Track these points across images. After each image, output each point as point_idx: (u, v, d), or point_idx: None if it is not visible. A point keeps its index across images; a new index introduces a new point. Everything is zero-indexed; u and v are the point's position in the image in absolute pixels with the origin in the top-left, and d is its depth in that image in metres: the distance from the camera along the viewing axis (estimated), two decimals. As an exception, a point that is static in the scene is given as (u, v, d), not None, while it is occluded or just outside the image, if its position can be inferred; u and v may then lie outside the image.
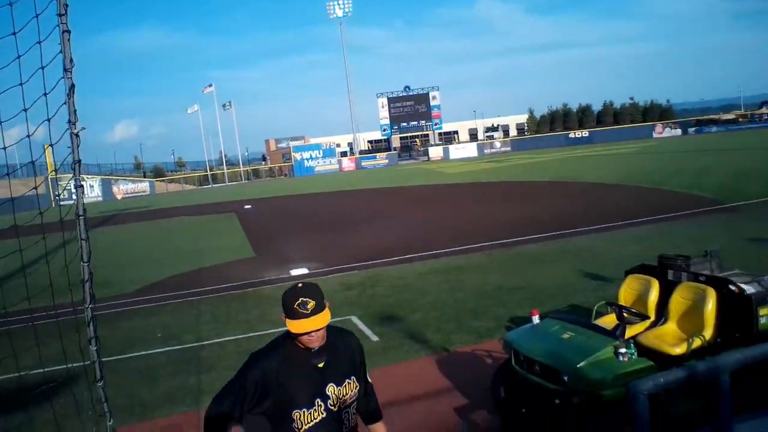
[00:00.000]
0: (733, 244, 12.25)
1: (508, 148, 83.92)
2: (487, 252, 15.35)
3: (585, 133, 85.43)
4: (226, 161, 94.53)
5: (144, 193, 72.05)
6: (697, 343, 5.57)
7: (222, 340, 10.10)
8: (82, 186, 2.29)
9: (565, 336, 5.66)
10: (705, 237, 13.56)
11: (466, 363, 7.92)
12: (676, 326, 6.03)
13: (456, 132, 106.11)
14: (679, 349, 5.58)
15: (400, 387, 7.32)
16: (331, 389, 3.05)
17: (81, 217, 2.25)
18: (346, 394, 3.11)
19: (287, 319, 2.94)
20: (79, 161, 2.33)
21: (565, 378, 5.22)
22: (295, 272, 15.40)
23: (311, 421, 3.00)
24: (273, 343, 3.15)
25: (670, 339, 5.82)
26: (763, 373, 5.32)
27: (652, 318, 6.23)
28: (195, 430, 6.82)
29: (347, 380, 3.12)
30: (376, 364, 8.23)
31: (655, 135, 79.91)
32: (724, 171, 28.66)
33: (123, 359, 9.55)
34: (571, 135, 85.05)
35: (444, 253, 15.72)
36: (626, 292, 6.63)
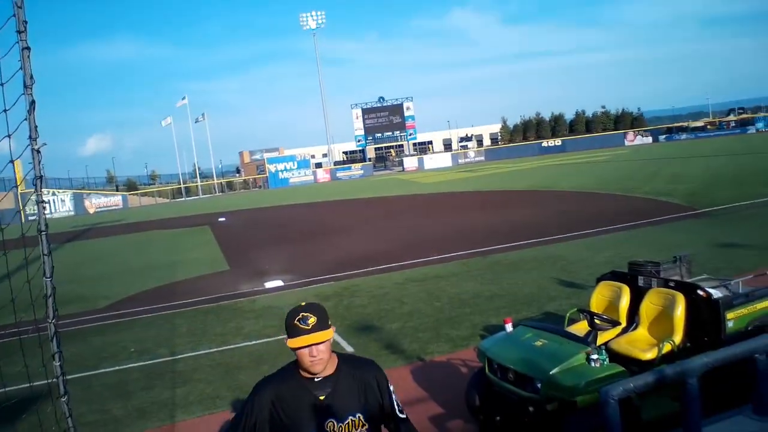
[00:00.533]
0: (702, 249, 12.45)
1: (482, 158, 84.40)
2: (464, 260, 15.42)
3: (558, 141, 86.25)
4: (199, 174, 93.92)
5: (117, 207, 71.15)
6: (667, 347, 5.66)
7: (197, 353, 10.01)
8: (44, 201, 2.25)
9: (538, 343, 5.71)
10: (676, 242, 13.77)
11: (442, 372, 7.95)
12: (646, 332, 6.12)
13: (430, 142, 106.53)
14: (650, 354, 5.66)
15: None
16: (330, 426, 2.81)
17: (43, 233, 2.22)
18: None
19: (288, 339, 2.76)
20: (41, 177, 2.30)
21: (539, 385, 5.26)
22: (269, 284, 15.33)
23: None
24: (279, 371, 2.97)
25: (641, 344, 5.90)
26: (733, 375, 5.44)
27: (624, 324, 6.31)
28: (169, 446, 6.75)
29: (351, 417, 2.84)
30: (352, 375, 8.22)
31: (626, 143, 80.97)
32: (694, 177, 29.15)
33: (95, 375, 9.43)
34: (545, 144, 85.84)
35: (422, 263, 15.76)
36: (597, 299, 6.71)
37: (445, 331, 9.64)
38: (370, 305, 11.88)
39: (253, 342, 10.31)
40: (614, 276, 6.85)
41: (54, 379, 2.26)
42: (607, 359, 5.36)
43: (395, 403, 2.96)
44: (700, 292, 5.82)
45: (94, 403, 8.21)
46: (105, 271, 21.40)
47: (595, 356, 5.26)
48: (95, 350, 10.84)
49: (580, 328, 6.40)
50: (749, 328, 5.74)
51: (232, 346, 10.21)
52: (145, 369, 9.51)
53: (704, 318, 5.76)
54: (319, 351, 2.74)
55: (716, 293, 5.95)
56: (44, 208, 2.22)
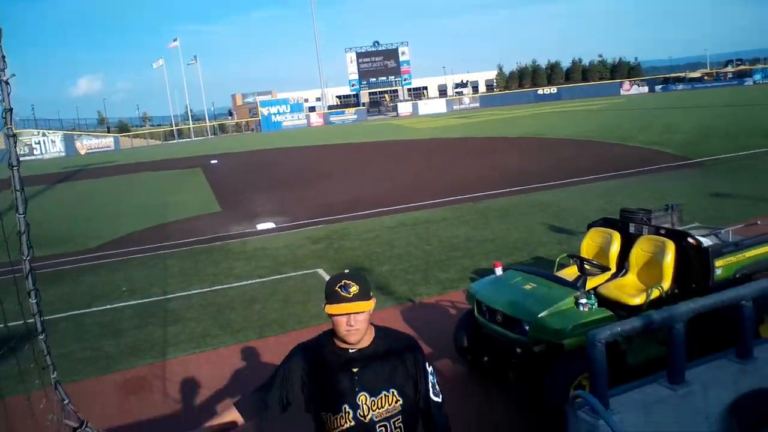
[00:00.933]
0: (695, 199, 12.49)
1: (477, 104, 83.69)
2: (456, 206, 15.43)
3: (553, 89, 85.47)
4: (192, 116, 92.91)
5: (108, 149, 70.49)
6: (655, 293, 5.70)
7: (188, 293, 10.06)
8: (14, 135, 2.17)
9: (527, 287, 5.73)
10: (669, 192, 13.80)
11: (431, 313, 8.03)
12: (635, 278, 6.16)
13: (425, 88, 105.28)
14: (638, 300, 5.71)
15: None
16: (362, 398, 2.69)
17: (15, 168, 2.16)
18: (382, 407, 2.70)
19: (327, 305, 2.64)
20: (11, 109, 2.22)
21: (527, 327, 5.30)
22: (261, 226, 15.34)
23: (337, 427, 2.70)
24: (315, 338, 2.86)
25: (629, 290, 5.94)
26: (718, 321, 5.51)
27: (613, 270, 6.35)
28: (160, 382, 6.83)
29: (385, 392, 2.71)
30: (342, 316, 8.30)
31: (622, 92, 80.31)
32: (689, 128, 29.02)
33: (87, 313, 9.49)
34: (540, 91, 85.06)
35: (413, 207, 15.77)
36: (588, 245, 6.73)
37: (435, 273, 9.70)
38: (360, 248, 11.91)
39: (245, 282, 10.35)
40: (606, 222, 6.86)
41: (31, 319, 2.23)
42: (596, 304, 5.39)
43: (431, 384, 2.83)
44: (690, 240, 5.84)
45: (86, 340, 8.29)
46: (96, 212, 21.34)
47: (583, 300, 5.30)
48: (87, 289, 10.89)
49: (570, 273, 6.43)
50: (737, 276, 5.79)
51: (223, 286, 10.27)
52: (137, 308, 9.57)
53: (693, 265, 5.80)
54: (357, 321, 2.63)
55: (706, 241, 5.97)
56: (14, 142, 2.15)
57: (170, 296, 9.99)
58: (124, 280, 11.32)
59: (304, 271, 10.66)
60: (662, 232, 6.15)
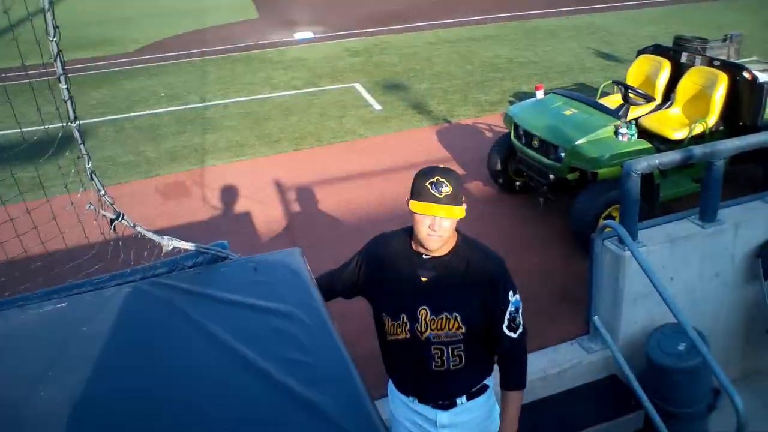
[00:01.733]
0: (757, 30, 11.74)
1: None
2: (501, 24, 14.74)
3: None
4: None
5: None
6: (699, 128, 5.54)
7: (226, 101, 10.09)
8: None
9: (567, 112, 5.60)
10: (729, 22, 12.92)
11: (467, 135, 7.99)
12: (681, 111, 5.97)
13: None
14: (680, 134, 5.57)
15: (398, 154, 7.47)
16: (422, 313, 2.38)
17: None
18: (441, 329, 2.38)
19: (411, 200, 2.28)
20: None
21: (562, 154, 5.26)
22: (299, 35, 14.95)
23: (395, 334, 2.46)
24: (395, 233, 2.54)
25: (672, 123, 5.78)
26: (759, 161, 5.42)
27: (658, 101, 6.13)
28: (198, 188, 7.06)
29: (446, 314, 2.37)
30: (377, 131, 8.33)
31: None
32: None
33: (127, 118, 9.62)
34: None
35: (456, 23, 15.11)
36: (635, 72, 6.45)
37: (474, 95, 9.52)
38: (399, 63, 11.63)
39: (282, 93, 10.31)
40: (657, 50, 6.51)
41: (69, 123, 2.22)
42: (636, 134, 5.28)
43: (508, 316, 2.42)
44: (746, 74, 5.54)
45: (128, 145, 8.47)
46: (133, 13, 20.87)
47: (623, 130, 5.18)
48: (127, 94, 10.93)
49: (613, 101, 6.22)
50: (788, 117, 5.56)
51: (260, 96, 10.24)
52: (175, 114, 9.65)
53: (744, 101, 5.55)
54: (441, 227, 2.26)
55: (763, 77, 5.66)
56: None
57: (208, 104, 10.03)
58: (163, 85, 11.32)
59: (341, 85, 10.52)
60: (716, 63, 5.84)
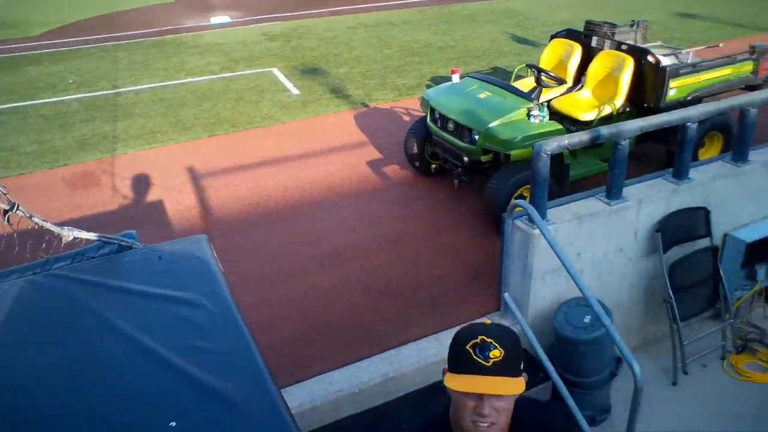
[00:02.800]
0: (662, 17, 12.23)
1: None
2: (420, 8, 14.80)
3: None
4: None
5: None
6: (607, 110, 5.73)
7: (139, 87, 9.72)
8: None
9: (482, 96, 5.67)
10: (638, 8, 13.40)
11: (384, 119, 7.99)
12: (590, 93, 6.15)
13: None
14: (590, 116, 5.74)
15: (315, 139, 7.41)
16: None
17: None
18: None
19: (448, 372, 1.62)
20: None
21: (476, 137, 5.32)
22: (215, 20, 14.58)
23: None
24: (437, 417, 1.79)
25: (582, 105, 5.95)
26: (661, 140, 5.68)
27: (570, 83, 6.28)
28: (108, 177, 6.80)
29: None
30: (294, 116, 8.23)
31: None
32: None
33: (32, 105, 9.13)
34: None
35: (375, 7, 15.08)
36: (549, 56, 6.60)
37: (392, 79, 9.52)
38: (318, 48, 11.51)
39: (197, 79, 10.02)
40: (569, 34, 6.67)
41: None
42: (547, 116, 5.40)
43: None
44: (650, 58, 5.75)
45: (32, 133, 8.05)
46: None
47: (536, 112, 5.29)
48: (31, 80, 10.38)
49: (527, 85, 6.33)
50: (688, 98, 5.81)
51: (175, 82, 9.93)
52: (84, 101, 9.24)
53: (648, 84, 5.77)
54: (495, 409, 1.58)
55: (665, 61, 5.91)
56: None
57: (120, 90, 9.63)
58: (71, 71, 10.81)
59: (259, 70, 10.32)
60: (624, 47, 6.04)
